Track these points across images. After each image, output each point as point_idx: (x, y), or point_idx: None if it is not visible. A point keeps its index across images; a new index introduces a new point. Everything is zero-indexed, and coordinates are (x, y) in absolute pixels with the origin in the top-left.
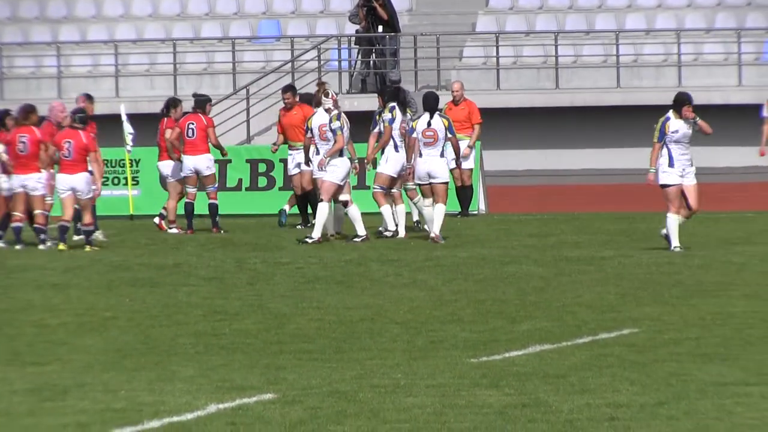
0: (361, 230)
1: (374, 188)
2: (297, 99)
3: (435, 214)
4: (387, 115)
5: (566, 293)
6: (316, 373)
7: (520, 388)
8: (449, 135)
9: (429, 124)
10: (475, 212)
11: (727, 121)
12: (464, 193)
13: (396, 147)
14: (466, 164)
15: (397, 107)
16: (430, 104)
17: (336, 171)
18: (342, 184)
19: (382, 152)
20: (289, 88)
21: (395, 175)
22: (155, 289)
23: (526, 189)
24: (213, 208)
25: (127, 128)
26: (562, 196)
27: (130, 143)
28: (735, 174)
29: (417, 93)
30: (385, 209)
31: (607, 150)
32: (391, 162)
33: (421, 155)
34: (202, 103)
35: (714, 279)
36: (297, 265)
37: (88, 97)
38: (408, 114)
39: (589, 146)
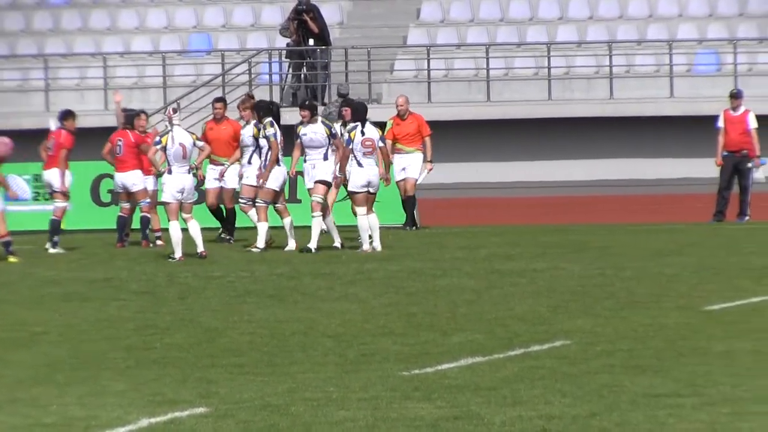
0: (291, 243)
1: (258, 202)
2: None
3: (374, 226)
4: (345, 135)
5: (498, 306)
6: (248, 387)
7: (452, 400)
8: (380, 144)
9: (363, 133)
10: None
11: (659, 132)
12: (410, 203)
13: (278, 161)
14: (412, 174)
15: (358, 127)
16: (362, 114)
17: (273, 178)
18: (278, 190)
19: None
20: (222, 99)
21: (277, 189)
22: (86, 304)
23: (457, 202)
24: (144, 222)
25: None
26: (493, 209)
27: None
28: (667, 185)
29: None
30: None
31: (538, 162)
32: (273, 176)
33: (361, 165)
34: (130, 118)
35: (646, 291)
36: (228, 278)
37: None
38: (336, 126)
39: (520, 159)
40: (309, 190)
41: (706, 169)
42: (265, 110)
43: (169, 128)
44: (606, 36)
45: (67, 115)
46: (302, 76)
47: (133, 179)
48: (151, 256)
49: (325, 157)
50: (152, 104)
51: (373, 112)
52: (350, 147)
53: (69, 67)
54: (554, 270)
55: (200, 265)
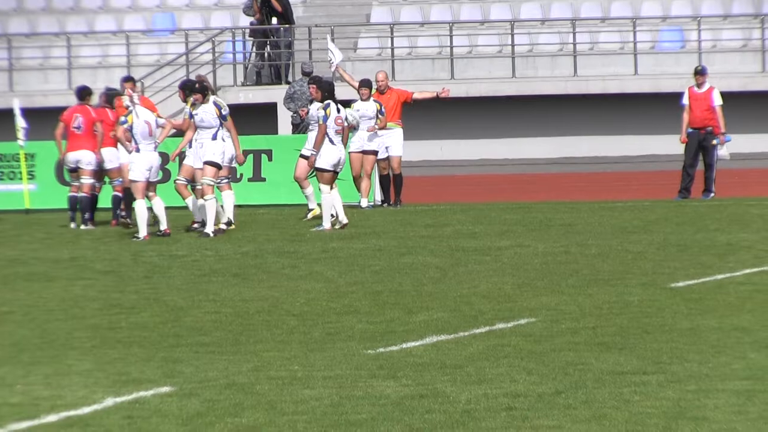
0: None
1: (179, 180)
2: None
3: (337, 201)
4: (320, 113)
5: (463, 283)
6: (213, 366)
7: (418, 378)
8: (346, 124)
9: (338, 110)
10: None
11: (623, 109)
12: (398, 181)
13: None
14: (396, 152)
15: (332, 104)
16: (330, 92)
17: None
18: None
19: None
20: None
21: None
22: (51, 283)
23: (421, 179)
24: (116, 200)
25: (20, 122)
26: (458, 187)
27: (23, 137)
28: (631, 163)
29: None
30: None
31: (502, 140)
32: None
33: (333, 143)
34: (110, 97)
35: (611, 268)
36: (193, 257)
37: None
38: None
39: (484, 136)
40: (196, 170)
41: (671, 146)
42: (189, 89)
43: (132, 107)
44: (569, 13)
45: (88, 92)
46: (266, 54)
47: (109, 156)
48: (116, 236)
49: (214, 137)
50: (116, 84)
51: (337, 91)
52: (326, 124)
53: (32, 47)
54: (519, 248)
55: (165, 244)
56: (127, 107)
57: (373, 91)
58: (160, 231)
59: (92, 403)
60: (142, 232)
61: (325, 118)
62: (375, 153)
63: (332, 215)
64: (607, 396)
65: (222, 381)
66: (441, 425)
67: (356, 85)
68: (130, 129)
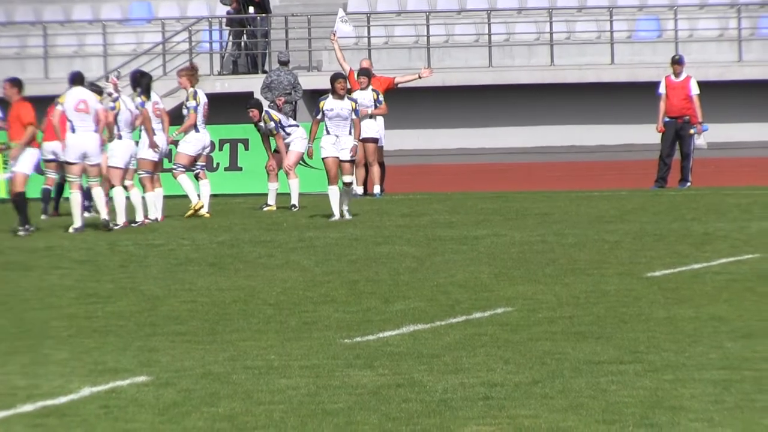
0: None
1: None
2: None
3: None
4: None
5: (439, 273)
6: (190, 355)
7: (394, 368)
8: (354, 117)
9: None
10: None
11: (600, 99)
12: (381, 171)
13: (196, 128)
14: (380, 141)
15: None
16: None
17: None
18: (156, 160)
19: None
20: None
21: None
22: (27, 273)
23: (398, 169)
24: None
25: None
26: (434, 176)
27: None
28: (608, 152)
29: (288, 73)
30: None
31: (479, 129)
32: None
33: (329, 132)
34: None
35: (587, 257)
36: (169, 247)
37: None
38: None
39: (461, 126)
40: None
41: (648, 135)
42: (133, 81)
43: (116, 95)
44: (546, 2)
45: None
46: (242, 44)
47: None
48: (93, 226)
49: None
50: (93, 73)
51: (314, 80)
52: (318, 117)
53: (9, 36)
54: (495, 237)
55: (141, 233)
56: (110, 94)
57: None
58: (105, 220)
59: (69, 392)
60: (120, 218)
61: (318, 111)
62: (375, 141)
63: (345, 210)
64: (583, 385)
65: (198, 370)
66: (418, 414)
67: (346, 67)
68: (116, 116)
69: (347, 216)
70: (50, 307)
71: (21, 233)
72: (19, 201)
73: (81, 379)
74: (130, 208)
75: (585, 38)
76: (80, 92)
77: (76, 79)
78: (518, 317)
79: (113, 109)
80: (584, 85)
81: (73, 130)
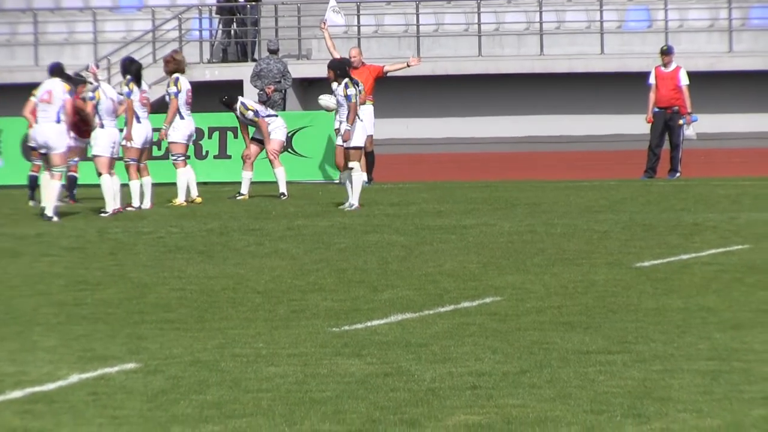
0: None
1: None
2: None
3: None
4: (351, 90)
5: (428, 262)
6: (178, 343)
7: (382, 356)
8: (352, 101)
9: (357, 85)
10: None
11: (589, 89)
12: (369, 159)
13: (181, 115)
14: (369, 130)
15: (348, 82)
16: (345, 70)
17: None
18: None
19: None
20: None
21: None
22: (16, 259)
23: (386, 158)
24: (72, 180)
25: None
26: (423, 165)
27: None
28: (597, 142)
29: (278, 62)
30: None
31: (468, 118)
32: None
33: (360, 119)
34: (75, 83)
35: (576, 247)
36: (158, 234)
37: None
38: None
39: (449, 115)
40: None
41: (637, 125)
42: (122, 68)
43: (96, 84)
44: None
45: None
46: (232, 32)
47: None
48: (81, 213)
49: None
50: (83, 60)
51: (304, 68)
52: (356, 102)
53: None
54: (484, 226)
55: (130, 221)
56: (90, 82)
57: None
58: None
59: (57, 379)
60: (110, 206)
61: (350, 97)
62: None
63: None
64: (571, 375)
65: (187, 358)
66: (406, 403)
67: (336, 55)
68: (96, 105)
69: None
70: (39, 293)
71: None
72: None
73: (69, 366)
74: (126, 194)
75: (575, 28)
76: (50, 83)
77: (54, 70)
78: (507, 307)
79: (93, 99)
80: (574, 75)
81: (37, 121)
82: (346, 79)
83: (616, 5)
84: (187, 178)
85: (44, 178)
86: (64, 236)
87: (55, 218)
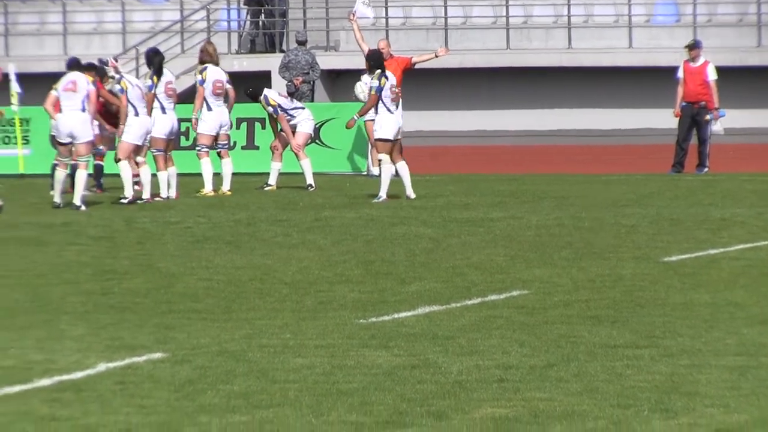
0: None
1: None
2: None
3: (405, 173)
4: (374, 82)
5: (455, 254)
6: (206, 333)
7: (410, 349)
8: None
9: (388, 78)
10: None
11: (617, 83)
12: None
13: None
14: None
15: (379, 74)
16: (380, 61)
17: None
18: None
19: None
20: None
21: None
22: (44, 248)
23: (414, 150)
24: (98, 169)
25: (15, 87)
26: (450, 158)
27: (17, 103)
28: (624, 136)
29: (306, 53)
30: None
31: (495, 111)
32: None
33: (391, 112)
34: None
35: (604, 241)
36: (186, 224)
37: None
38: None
39: (477, 108)
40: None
41: (665, 119)
42: (146, 59)
43: (119, 76)
44: None
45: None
46: (260, 23)
47: None
48: (108, 202)
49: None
50: (111, 50)
51: (332, 60)
52: (380, 94)
53: (29, 12)
54: (511, 219)
55: (158, 210)
56: (112, 77)
57: None
58: (141, 199)
59: (85, 367)
60: (128, 191)
61: (380, 88)
62: None
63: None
64: (599, 369)
65: (214, 348)
66: (432, 395)
67: (365, 47)
68: (126, 95)
69: (411, 195)
70: (66, 282)
71: None
72: None
73: (97, 355)
74: (154, 184)
75: (603, 22)
76: (72, 75)
77: (72, 64)
78: (534, 300)
79: (122, 91)
80: (601, 69)
81: (61, 110)
82: (378, 71)
83: None
84: (209, 170)
85: (58, 171)
86: (92, 225)
87: (83, 207)
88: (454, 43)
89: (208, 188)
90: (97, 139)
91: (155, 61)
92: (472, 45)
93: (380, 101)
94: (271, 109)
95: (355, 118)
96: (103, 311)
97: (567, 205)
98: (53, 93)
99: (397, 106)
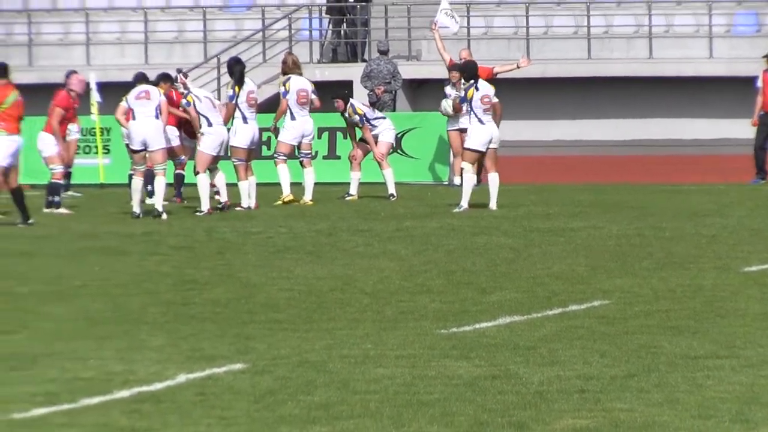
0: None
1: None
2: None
3: (493, 184)
4: (460, 93)
5: (536, 264)
6: (286, 343)
7: (490, 359)
8: (495, 100)
9: (478, 89)
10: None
11: (698, 93)
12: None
13: (292, 116)
14: None
15: (472, 84)
16: (473, 72)
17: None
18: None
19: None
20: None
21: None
22: (124, 258)
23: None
24: (179, 178)
25: (95, 96)
26: (531, 167)
27: (97, 112)
28: (705, 146)
29: (388, 62)
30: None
31: (576, 121)
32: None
33: (482, 122)
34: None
35: (684, 251)
36: (267, 234)
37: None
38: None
39: (558, 117)
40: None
41: (745, 129)
42: (228, 69)
43: (187, 91)
44: None
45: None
46: (342, 32)
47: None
48: (189, 212)
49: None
50: (193, 59)
51: (414, 69)
52: (464, 105)
53: (110, 21)
54: (592, 229)
55: (239, 221)
56: (182, 93)
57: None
58: (220, 203)
59: (165, 378)
60: (205, 205)
61: (464, 99)
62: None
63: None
64: (679, 380)
65: (294, 358)
66: (513, 406)
67: (446, 57)
68: (195, 108)
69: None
70: (147, 292)
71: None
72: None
73: (177, 366)
74: (234, 194)
75: (683, 32)
76: (144, 86)
77: (140, 78)
78: (615, 310)
79: (188, 105)
80: (682, 79)
81: (134, 117)
82: (471, 81)
83: (724, 9)
84: (286, 176)
85: (135, 180)
86: (172, 235)
87: (164, 215)
88: (535, 52)
89: (286, 192)
90: (178, 149)
91: (236, 70)
92: (554, 55)
93: (472, 111)
94: (357, 118)
95: None
96: (184, 321)
97: (647, 215)
98: (123, 104)
99: (490, 117)
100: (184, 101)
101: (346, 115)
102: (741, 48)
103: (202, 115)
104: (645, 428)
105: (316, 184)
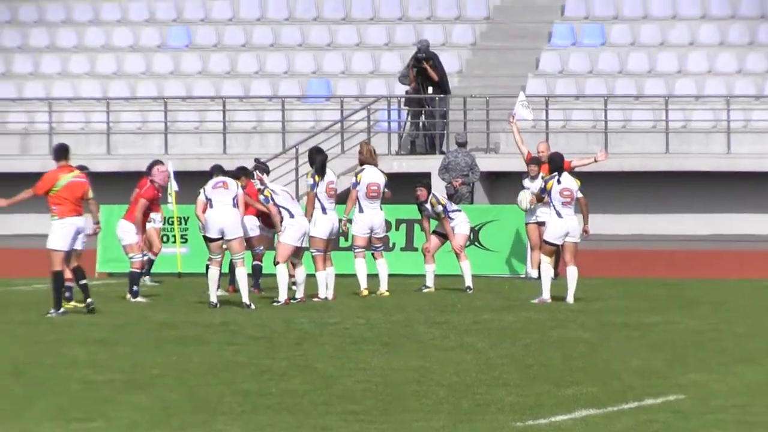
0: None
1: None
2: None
3: (572, 277)
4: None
5: (612, 358)
6: None
7: None
8: (579, 195)
9: (560, 182)
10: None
11: None
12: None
13: (360, 208)
14: None
15: (561, 176)
16: (558, 164)
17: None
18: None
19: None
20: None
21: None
22: (202, 348)
23: None
24: (257, 269)
25: (173, 186)
26: (608, 261)
27: (175, 201)
28: None
29: (466, 155)
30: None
31: (653, 215)
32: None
33: (560, 216)
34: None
35: (759, 347)
36: (344, 325)
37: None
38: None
39: (635, 211)
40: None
41: None
42: (309, 158)
43: (262, 187)
44: (724, 90)
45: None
46: (420, 124)
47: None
48: (267, 302)
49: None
50: (271, 149)
51: (492, 162)
52: (544, 195)
53: (188, 110)
54: (668, 324)
55: (316, 311)
56: (259, 189)
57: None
58: (296, 298)
59: None
60: (283, 295)
61: (543, 190)
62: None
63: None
64: None
65: None
66: None
67: (524, 150)
68: (273, 201)
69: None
70: (224, 382)
71: (52, 314)
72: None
73: None
74: (311, 285)
75: (762, 127)
76: (220, 177)
77: (217, 170)
78: (690, 405)
79: (267, 201)
80: (761, 174)
81: (211, 206)
82: (555, 173)
83: None
84: (362, 269)
85: (211, 270)
86: (250, 325)
87: (252, 306)
88: (613, 146)
89: (363, 287)
90: (256, 240)
91: (318, 159)
92: (632, 149)
93: (551, 204)
94: (440, 208)
95: None
96: (261, 412)
97: (723, 311)
98: (201, 197)
99: (570, 210)
100: (262, 197)
101: (428, 205)
102: None
103: (282, 207)
104: None
105: (392, 275)
